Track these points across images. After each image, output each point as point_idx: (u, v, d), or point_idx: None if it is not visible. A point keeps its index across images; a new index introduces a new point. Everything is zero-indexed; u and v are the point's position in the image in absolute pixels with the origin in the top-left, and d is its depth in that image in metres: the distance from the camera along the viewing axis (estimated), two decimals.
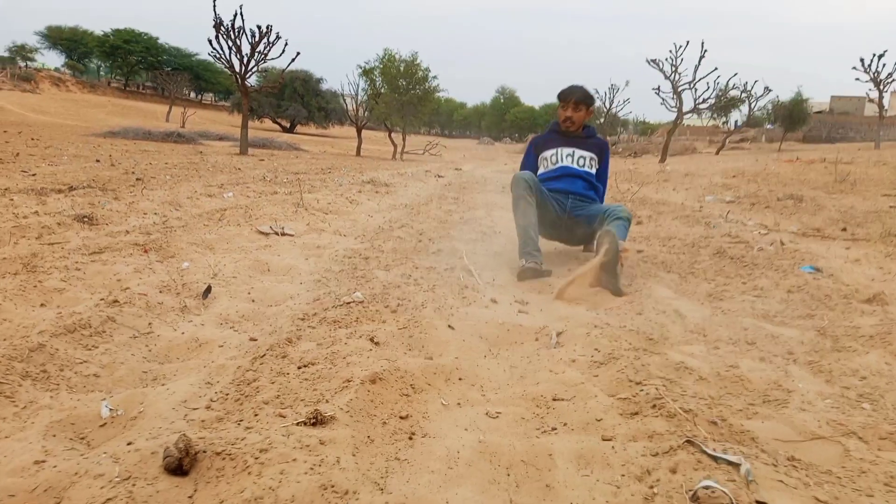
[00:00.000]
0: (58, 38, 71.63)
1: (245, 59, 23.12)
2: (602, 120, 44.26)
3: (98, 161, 12.03)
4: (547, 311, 2.94)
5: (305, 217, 5.65)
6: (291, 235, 4.75)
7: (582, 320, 2.73)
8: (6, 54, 68.24)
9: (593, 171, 4.35)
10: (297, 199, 7.18)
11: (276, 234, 4.70)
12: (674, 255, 4.28)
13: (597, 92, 43.07)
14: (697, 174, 14.78)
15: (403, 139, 31.68)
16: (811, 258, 4.08)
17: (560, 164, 4.30)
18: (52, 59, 75.70)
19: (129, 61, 69.83)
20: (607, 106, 41.27)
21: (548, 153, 4.40)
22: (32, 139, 18.88)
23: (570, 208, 4.16)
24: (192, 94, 76.11)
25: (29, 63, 66.61)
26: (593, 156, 4.36)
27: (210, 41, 22.83)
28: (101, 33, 70.82)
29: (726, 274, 3.71)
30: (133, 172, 9.96)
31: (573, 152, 4.31)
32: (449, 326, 2.53)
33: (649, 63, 32.46)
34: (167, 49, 71.88)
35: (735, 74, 33.78)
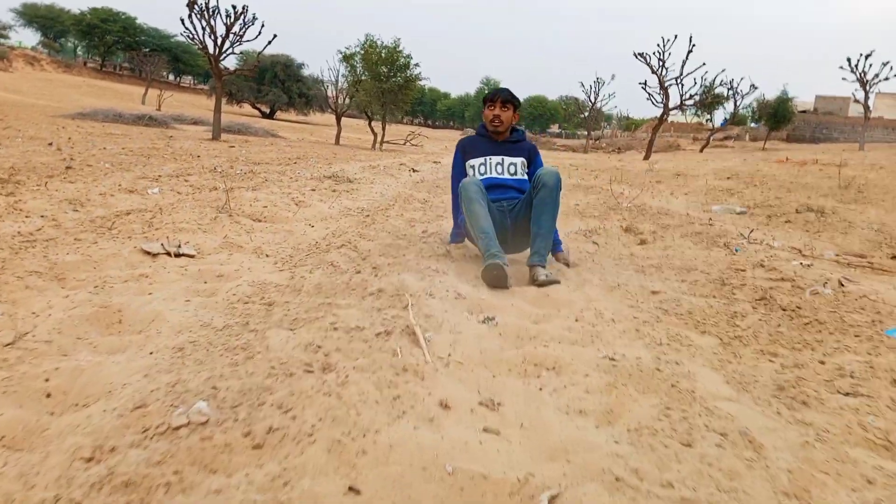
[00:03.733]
0: (33, 15, 68.94)
1: (219, 41, 21.82)
2: (586, 114, 43.21)
3: (51, 144, 11.19)
4: (532, 426, 1.75)
5: (226, 226, 4.43)
6: (190, 257, 3.53)
7: (592, 459, 1.55)
8: None
9: (525, 177, 4.10)
10: (233, 198, 5.94)
11: (169, 254, 3.47)
12: (703, 301, 3.11)
13: (582, 85, 42.03)
14: (689, 174, 13.76)
15: (383, 128, 30.36)
16: (889, 311, 2.93)
17: (489, 176, 4.05)
18: (27, 38, 73.12)
19: (106, 41, 67.32)
20: (592, 100, 40.18)
21: (476, 162, 4.15)
22: None
23: (509, 211, 3.89)
24: (171, 77, 74.02)
25: (3, 41, 64.10)
26: (523, 160, 4.15)
27: (182, 20, 21.47)
28: (78, 12, 68.42)
29: (787, 341, 2.54)
30: (72, 159, 8.72)
31: (503, 160, 4.10)
32: (350, 489, 1.34)
33: (636, 56, 31.46)
34: (145, 30, 69.46)
35: (723, 70, 32.79)
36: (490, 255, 3.34)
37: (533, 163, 4.19)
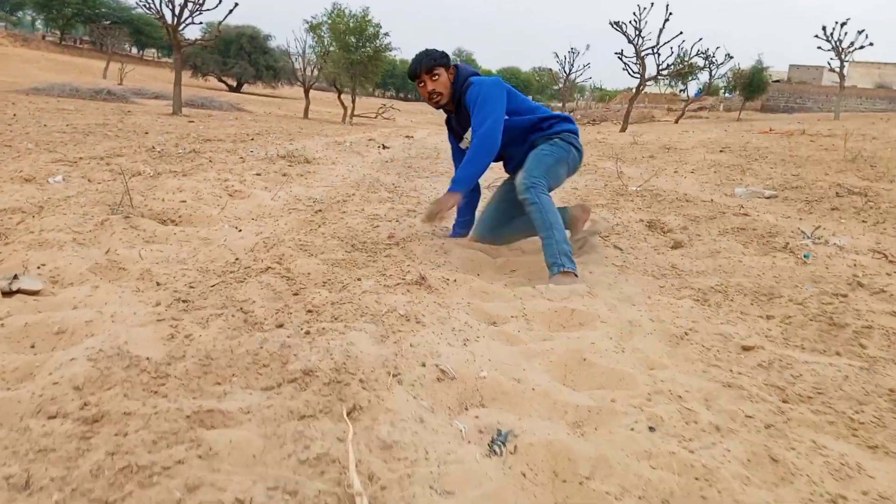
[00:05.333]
0: None
1: (177, 10, 20.22)
2: (560, 86, 41.87)
3: None
4: None
5: (116, 234, 3.15)
6: (31, 293, 2.27)
7: None
8: None
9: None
10: (151, 187, 4.65)
11: None
12: (829, 367, 1.92)
13: (556, 56, 40.60)
14: (677, 147, 12.69)
15: (353, 102, 28.83)
16: None
17: None
18: None
19: (65, 14, 63.88)
20: (567, 71, 38.82)
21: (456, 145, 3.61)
22: None
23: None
24: (134, 50, 70.83)
25: None
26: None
27: None
28: None
29: None
30: None
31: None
32: None
33: (612, 25, 30.21)
34: (105, 2, 65.89)
35: (700, 39, 31.67)
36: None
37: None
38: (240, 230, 3.45)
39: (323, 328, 1.93)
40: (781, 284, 2.76)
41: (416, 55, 3.39)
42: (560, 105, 45.28)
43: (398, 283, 2.45)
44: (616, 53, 29.98)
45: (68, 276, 2.51)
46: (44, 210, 3.64)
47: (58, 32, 69.42)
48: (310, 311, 2.13)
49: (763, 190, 5.66)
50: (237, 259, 2.85)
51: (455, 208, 3.35)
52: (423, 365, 1.72)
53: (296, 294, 2.32)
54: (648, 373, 1.83)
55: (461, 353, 1.85)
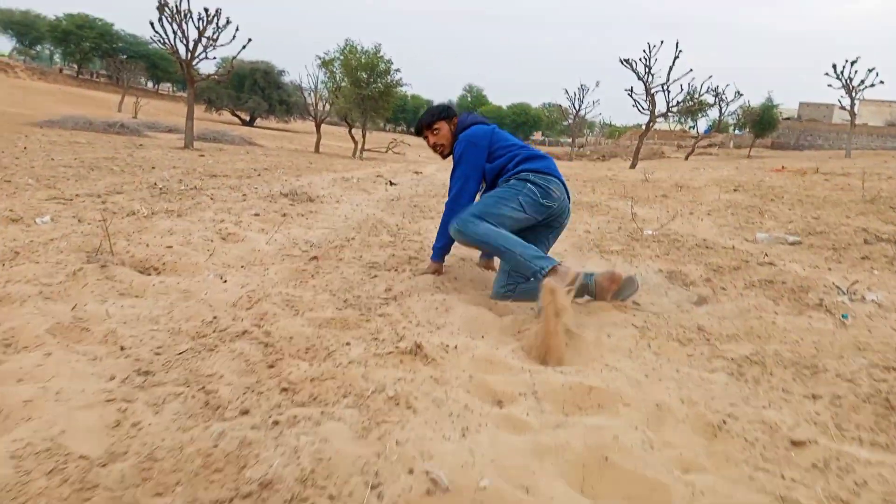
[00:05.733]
0: (8, 21, 66.25)
1: (191, 45, 20.33)
2: (570, 121, 41.89)
3: None
4: None
5: (89, 286, 2.87)
6: None
7: None
8: None
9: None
10: (141, 229, 4.39)
11: None
12: (872, 459, 1.60)
13: (566, 92, 40.68)
14: (689, 185, 12.39)
15: (363, 136, 28.81)
16: None
17: None
18: (2, 45, 70.61)
19: (83, 48, 64.86)
20: (576, 107, 38.83)
21: None
22: None
23: None
24: (149, 84, 71.64)
25: None
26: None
27: (152, 24, 19.99)
28: (54, 18, 65.78)
29: None
30: None
31: None
32: None
33: (622, 63, 30.23)
34: (123, 36, 66.81)
35: (710, 77, 31.62)
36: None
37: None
38: (225, 281, 3.16)
39: (295, 416, 1.62)
40: (823, 353, 2.44)
41: (422, 115, 3.60)
42: (569, 141, 45.24)
43: (390, 352, 2.15)
44: (626, 90, 29.94)
45: (23, 339, 2.23)
46: (18, 256, 3.37)
47: (75, 66, 70.44)
48: (284, 390, 1.82)
49: (786, 235, 5.33)
50: (215, 317, 2.55)
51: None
52: (411, 472, 1.41)
53: (271, 366, 2.01)
54: (684, 479, 1.51)
55: (458, 451, 1.53)
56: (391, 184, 10.90)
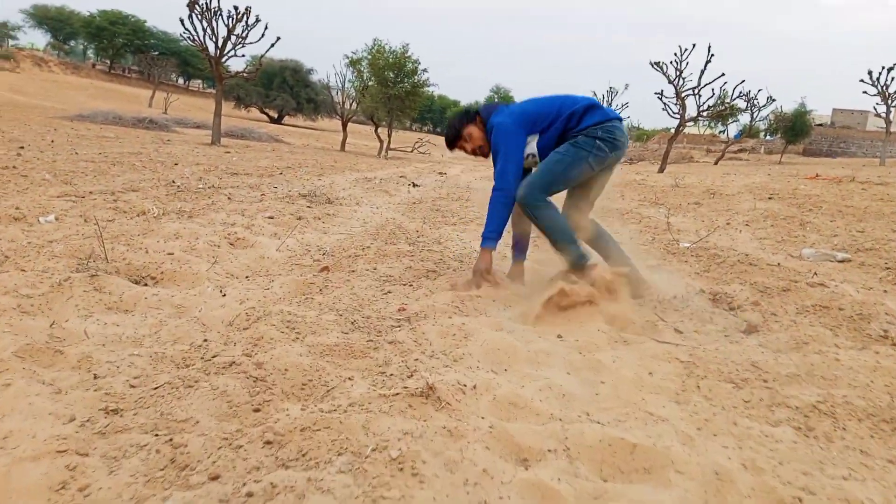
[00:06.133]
0: (43, 16, 67.09)
1: (220, 42, 20.29)
2: None
3: (22, 148, 10.31)
4: None
5: (74, 300, 2.60)
6: None
7: None
8: None
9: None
10: (147, 231, 4.13)
11: None
12: None
13: (594, 94, 40.08)
14: (721, 192, 11.92)
15: (389, 135, 28.59)
16: None
17: None
18: (37, 39, 71.77)
19: (115, 44, 65.61)
20: None
21: None
22: None
23: None
24: (180, 80, 72.21)
25: (11, 42, 62.60)
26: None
27: (182, 21, 19.99)
28: (88, 14, 66.61)
29: None
30: (14, 167, 7.43)
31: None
32: None
33: (653, 66, 29.67)
34: (155, 33, 67.52)
35: (742, 81, 30.92)
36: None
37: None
38: (224, 294, 2.87)
39: (273, 486, 1.31)
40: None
41: (446, 131, 3.62)
42: None
43: (398, 393, 1.83)
44: (656, 94, 29.38)
45: None
46: (6, 262, 3.12)
47: (107, 61, 71.27)
48: (268, 443, 1.52)
49: (834, 252, 4.93)
50: (205, 340, 2.26)
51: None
52: None
53: (257, 410, 1.71)
54: None
55: None
56: (414, 185, 10.60)
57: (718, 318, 3.08)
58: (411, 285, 3.29)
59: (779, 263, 4.50)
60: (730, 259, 4.55)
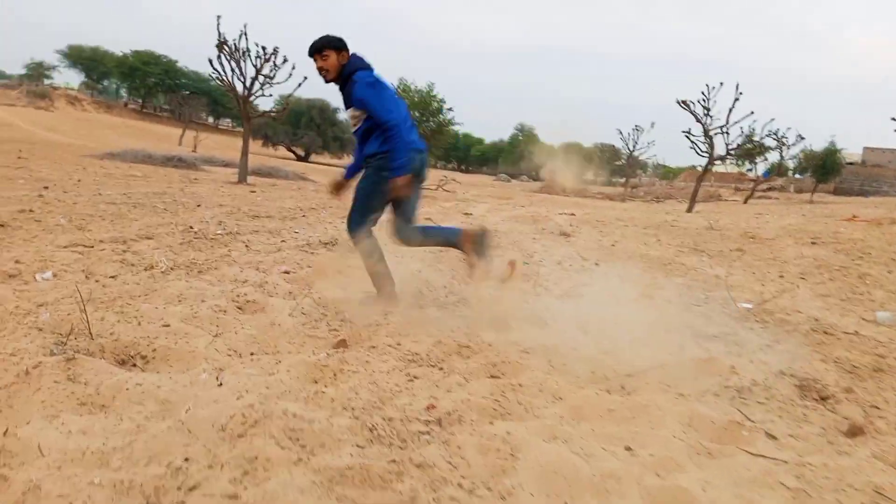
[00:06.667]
0: (78, 57, 68.88)
1: (248, 82, 20.28)
2: (622, 161, 40.86)
3: (46, 188, 10.14)
4: None
5: (41, 392, 2.15)
6: None
7: None
8: (24, 71, 66.09)
9: (365, 125, 3.97)
10: (147, 292, 3.72)
11: None
12: None
13: (620, 133, 39.65)
14: (760, 236, 11.31)
15: None
16: None
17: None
18: (72, 78, 73.90)
19: (148, 83, 66.95)
20: (630, 148, 37.78)
21: None
22: (20, 157, 16.45)
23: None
24: (209, 119, 73.26)
25: (46, 80, 64.19)
26: (355, 112, 3.98)
27: (211, 61, 20.00)
28: (121, 54, 68.26)
29: None
30: (30, 211, 7.18)
31: (348, 114, 4.10)
32: None
33: (680, 105, 29.24)
34: (186, 73, 68.87)
35: (772, 120, 30.32)
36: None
37: (367, 107, 3.90)
38: (220, 384, 2.40)
39: None
40: None
41: (315, 40, 4.00)
42: (620, 181, 44.14)
43: None
44: (684, 132, 28.92)
45: None
46: None
47: (139, 100, 72.70)
48: None
49: None
50: (187, 460, 1.79)
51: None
52: None
53: None
54: None
55: None
56: None
57: (812, 414, 2.54)
58: (441, 368, 2.79)
59: (856, 332, 3.93)
60: (801, 326, 3.99)
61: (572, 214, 16.98)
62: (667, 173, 60.85)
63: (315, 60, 4.00)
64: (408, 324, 3.46)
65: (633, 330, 3.45)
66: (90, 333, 2.74)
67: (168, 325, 3.03)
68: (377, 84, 3.91)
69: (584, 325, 3.58)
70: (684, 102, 29.18)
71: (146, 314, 3.21)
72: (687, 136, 28.83)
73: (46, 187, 10.88)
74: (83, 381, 2.30)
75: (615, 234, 10.95)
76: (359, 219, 4.00)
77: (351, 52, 4.02)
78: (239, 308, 3.63)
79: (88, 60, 69.47)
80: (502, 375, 2.74)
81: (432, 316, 3.73)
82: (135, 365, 2.65)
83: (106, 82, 76.16)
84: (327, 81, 4.03)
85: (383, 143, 3.84)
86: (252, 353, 2.87)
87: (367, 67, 4.00)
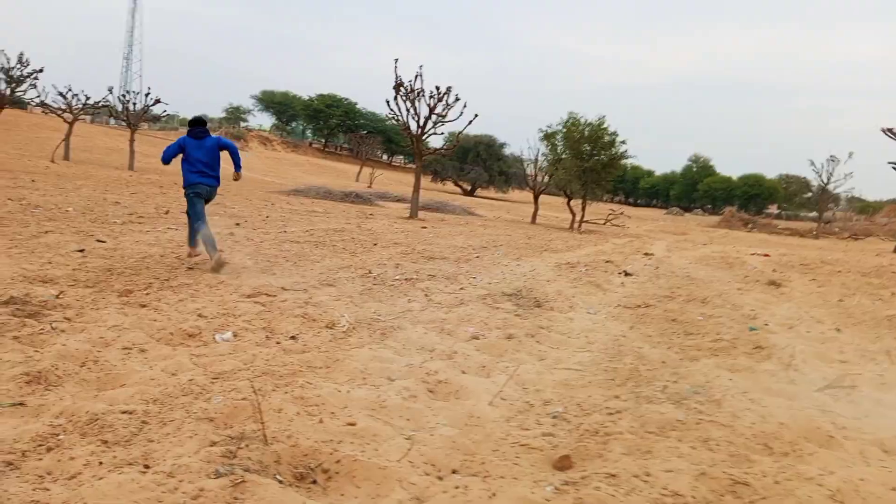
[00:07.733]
0: (270, 101, 75.33)
1: (421, 121, 20.61)
2: (811, 194, 37.15)
3: (238, 224, 11.20)
4: None
5: None
6: None
7: None
8: (223, 114, 73.18)
9: None
10: (316, 368, 3.23)
11: None
12: None
13: (812, 164, 36.01)
14: None
15: (583, 208, 27.29)
16: None
17: None
18: (264, 121, 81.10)
19: (330, 124, 71.61)
20: (825, 180, 34.15)
21: None
22: (220, 194, 17.97)
23: None
24: (384, 157, 76.70)
25: (242, 123, 70.62)
26: None
27: (388, 102, 20.57)
28: (307, 98, 73.71)
29: None
30: (220, 250, 7.75)
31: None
32: None
33: (885, 133, 26.08)
34: (364, 114, 72.92)
35: None
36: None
37: None
38: None
39: None
40: None
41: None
42: (812, 215, 40.09)
43: None
44: (890, 163, 25.71)
45: None
46: (138, 435, 2.27)
47: (322, 140, 77.82)
48: None
49: None
50: None
51: None
52: None
53: None
54: None
55: None
56: (626, 274, 9.21)
57: None
58: None
59: None
60: None
61: (766, 255, 15.18)
62: (865, 208, 54.53)
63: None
64: (644, 428, 2.65)
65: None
66: (264, 437, 2.23)
67: (353, 424, 2.47)
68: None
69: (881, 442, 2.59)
70: (890, 130, 26.06)
71: (328, 401, 2.69)
72: (894, 168, 25.66)
73: (238, 224, 11.29)
74: None
75: (834, 285, 9.34)
76: None
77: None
78: (430, 391, 3.04)
79: (279, 104, 75.77)
80: None
81: (673, 419, 2.86)
82: (314, 481, 2.09)
83: (294, 124, 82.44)
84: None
85: None
86: (454, 471, 2.22)
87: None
